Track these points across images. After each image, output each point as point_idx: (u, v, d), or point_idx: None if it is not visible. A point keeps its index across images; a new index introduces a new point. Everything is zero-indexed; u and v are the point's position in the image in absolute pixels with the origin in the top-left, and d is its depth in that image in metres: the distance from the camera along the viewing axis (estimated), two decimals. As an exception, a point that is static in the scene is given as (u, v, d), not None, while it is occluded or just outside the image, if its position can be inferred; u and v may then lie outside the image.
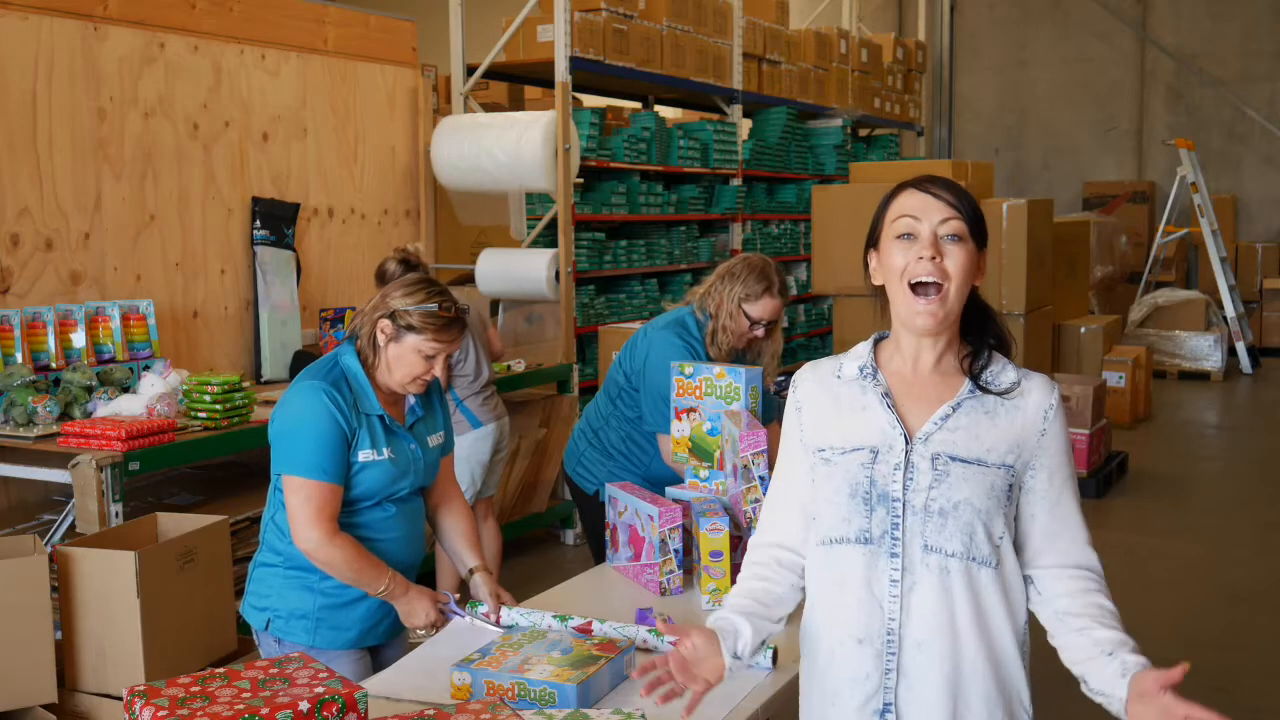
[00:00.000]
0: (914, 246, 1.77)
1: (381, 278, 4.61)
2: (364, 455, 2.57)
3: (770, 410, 3.56)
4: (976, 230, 1.81)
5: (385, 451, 2.61)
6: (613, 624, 2.52)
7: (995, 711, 1.79)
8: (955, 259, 1.77)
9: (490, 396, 4.80)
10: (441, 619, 2.64)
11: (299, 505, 2.52)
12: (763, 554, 1.97)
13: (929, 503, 1.77)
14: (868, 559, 1.79)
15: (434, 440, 2.76)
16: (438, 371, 2.63)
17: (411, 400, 2.71)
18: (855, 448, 1.82)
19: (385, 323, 2.60)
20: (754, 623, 1.86)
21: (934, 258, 1.76)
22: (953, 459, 1.78)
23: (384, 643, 2.73)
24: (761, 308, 3.39)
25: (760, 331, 3.43)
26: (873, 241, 1.86)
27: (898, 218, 1.80)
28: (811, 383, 1.92)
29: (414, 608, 2.62)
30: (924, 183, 1.82)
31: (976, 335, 1.86)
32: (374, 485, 2.60)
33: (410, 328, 2.58)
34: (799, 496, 1.92)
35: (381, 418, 2.62)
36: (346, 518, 2.58)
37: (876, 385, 1.84)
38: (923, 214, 1.78)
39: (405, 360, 2.60)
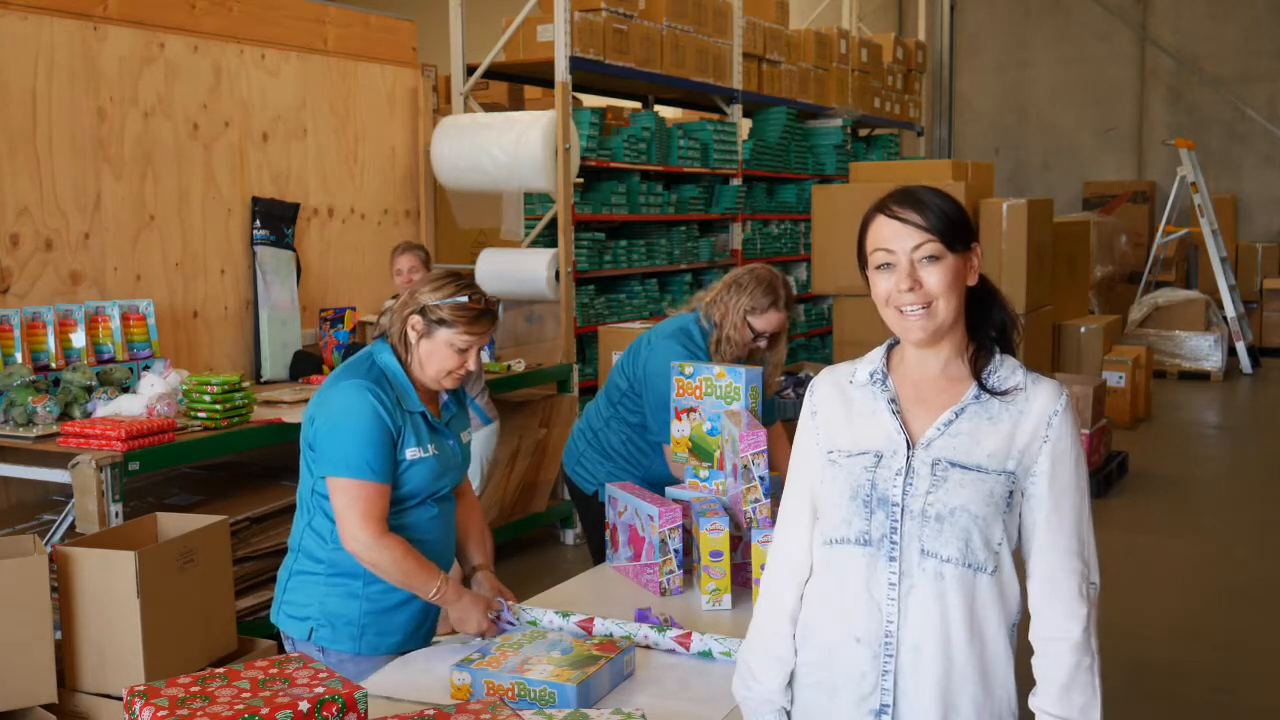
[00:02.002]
0: (892, 276, 1.79)
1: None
2: (411, 453, 2.54)
3: (771, 413, 3.57)
4: (955, 238, 1.79)
5: (430, 448, 2.58)
6: (614, 621, 2.53)
7: (983, 714, 1.80)
8: (934, 278, 1.78)
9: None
10: (494, 627, 2.57)
11: (346, 506, 2.47)
12: (788, 586, 1.93)
13: (926, 508, 1.78)
14: (867, 561, 1.80)
15: (465, 436, 2.75)
16: (470, 365, 2.60)
17: (444, 396, 2.69)
18: (861, 451, 1.84)
19: (416, 319, 2.57)
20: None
21: (912, 288, 1.78)
22: (952, 464, 1.79)
23: (425, 645, 2.69)
24: (767, 321, 3.39)
25: (763, 343, 3.44)
26: (861, 263, 1.88)
27: (874, 249, 1.82)
28: (827, 388, 1.94)
29: (468, 615, 2.56)
30: (892, 207, 1.81)
31: (981, 329, 1.86)
32: (420, 483, 2.57)
33: (441, 322, 2.56)
34: (811, 511, 1.91)
35: (424, 414, 2.59)
36: (392, 519, 2.54)
37: (885, 391, 1.87)
38: (895, 243, 1.79)
39: (438, 355, 2.57)
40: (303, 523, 2.62)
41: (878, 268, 1.81)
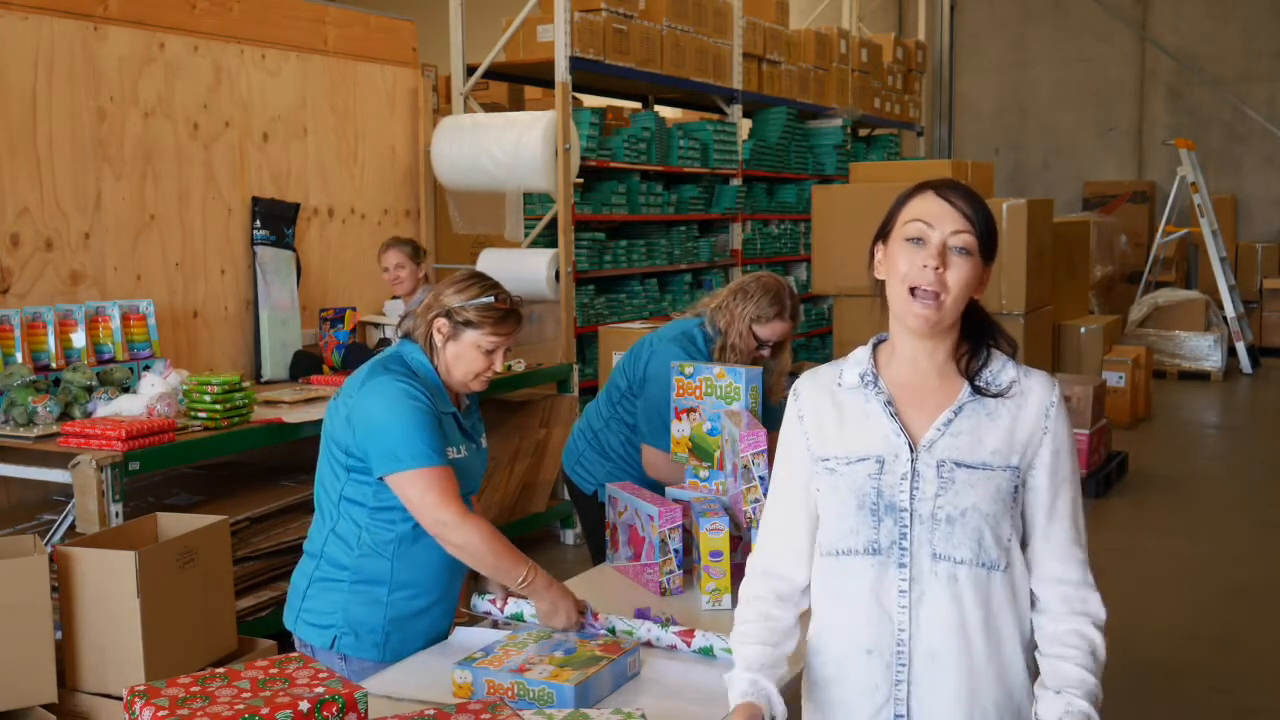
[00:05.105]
0: (921, 253, 1.75)
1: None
2: (448, 452, 2.50)
3: (776, 419, 3.56)
4: (986, 244, 1.78)
5: (462, 449, 2.56)
6: (616, 617, 2.53)
7: (1005, 715, 1.78)
8: (958, 272, 1.75)
9: None
10: (581, 624, 2.51)
11: (422, 494, 2.41)
12: (761, 586, 1.92)
13: (936, 510, 1.75)
14: (876, 570, 1.77)
15: (483, 441, 2.73)
16: (497, 366, 2.57)
17: (466, 400, 2.67)
18: (861, 458, 1.80)
19: (441, 321, 2.54)
20: (774, 678, 1.85)
21: (937, 268, 1.74)
22: (957, 465, 1.76)
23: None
24: (771, 330, 3.39)
25: (767, 351, 3.44)
26: (883, 235, 1.84)
27: (911, 220, 1.78)
28: (813, 391, 1.89)
29: (558, 607, 2.49)
30: (944, 188, 1.79)
31: (977, 338, 1.84)
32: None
33: (468, 323, 2.53)
34: (802, 516, 1.88)
35: (454, 415, 2.57)
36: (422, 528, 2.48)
37: (878, 393, 1.82)
38: (936, 221, 1.76)
39: (465, 357, 2.54)
40: (325, 529, 2.56)
41: (908, 239, 1.77)
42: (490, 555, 2.44)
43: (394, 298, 5.60)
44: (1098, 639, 1.78)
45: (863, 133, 11.56)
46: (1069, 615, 1.78)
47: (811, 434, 1.87)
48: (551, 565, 5.72)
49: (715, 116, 8.84)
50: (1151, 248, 12.50)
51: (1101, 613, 1.80)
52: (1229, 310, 11.64)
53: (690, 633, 2.45)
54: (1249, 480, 7.63)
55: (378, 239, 5.78)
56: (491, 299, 2.55)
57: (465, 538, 2.42)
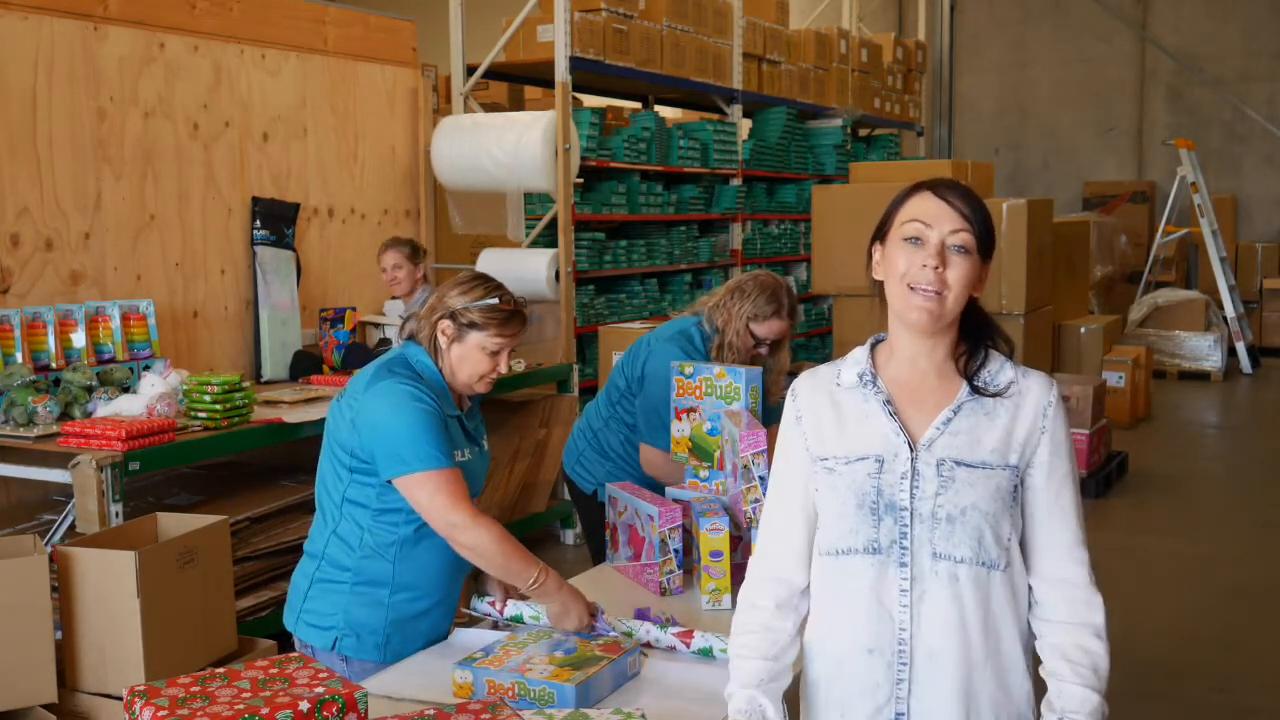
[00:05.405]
0: (919, 253, 1.76)
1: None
2: (454, 455, 2.49)
3: (775, 419, 3.56)
4: (984, 243, 1.79)
5: (466, 452, 2.56)
6: (615, 618, 2.53)
7: (1003, 713, 1.79)
8: (958, 271, 1.76)
9: None
10: (591, 625, 2.51)
11: (430, 496, 2.40)
12: (761, 594, 1.91)
13: (936, 509, 1.75)
14: (877, 569, 1.77)
15: (485, 443, 2.72)
16: (502, 368, 2.57)
17: (468, 402, 2.66)
18: (860, 457, 1.80)
19: (446, 324, 2.54)
20: (773, 692, 1.85)
21: (937, 268, 1.74)
22: (957, 464, 1.76)
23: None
24: (768, 328, 3.39)
25: (764, 350, 3.44)
26: (880, 235, 1.84)
27: (909, 220, 1.78)
28: (811, 391, 1.89)
29: (569, 609, 2.49)
30: (941, 188, 1.80)
31: (974, 337, 1.85)
32: None
33: (472, 325, 2.52)
34: (801, 517, 1.88)
35: (459, 419, 2.57)
36: (427, 529, 2.46)
37: (878, 393, 1.82)
38: (934, 221, 1.76)
39: (470, 359, 2.54)
40: (327, 530, 2.56)
41: (906, 239, 1.77)
42: (501, 557, 2.44)
43: (393, 298, 5.60)
44: (1101, 652, 1.78)
45: (863, 133, 11.57)
46: (1071, 626, 1.79)
47: (810, 434, 1.86)
48: (551, 565, 5.70)
49: (715, 116, 8.84)
50: (1151, 248, 12.50)
51: (1103, 619, 1.79)
52: (1229, 310, 11.64)
53: (689, 634, 2.45)
54: (1249, 480, 7.64)
55: (378, 239, 5.79)
56: (496, 300, 2.54)
57: (476, 539, 2.41)
